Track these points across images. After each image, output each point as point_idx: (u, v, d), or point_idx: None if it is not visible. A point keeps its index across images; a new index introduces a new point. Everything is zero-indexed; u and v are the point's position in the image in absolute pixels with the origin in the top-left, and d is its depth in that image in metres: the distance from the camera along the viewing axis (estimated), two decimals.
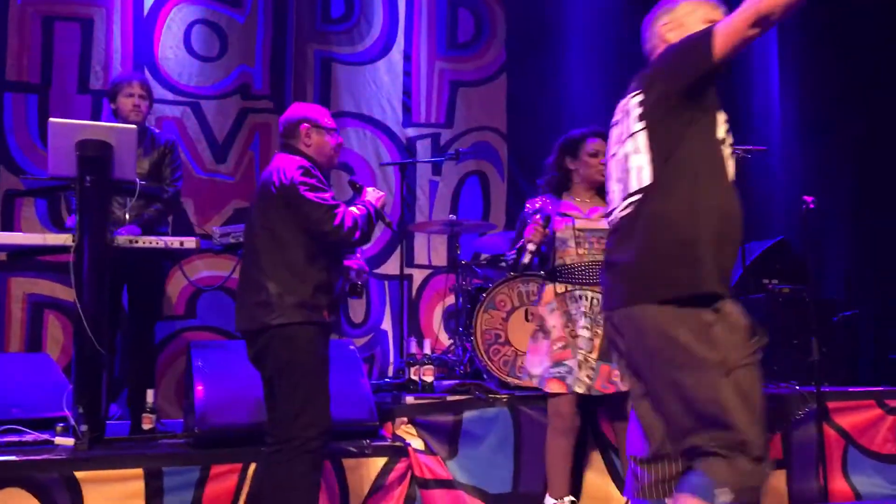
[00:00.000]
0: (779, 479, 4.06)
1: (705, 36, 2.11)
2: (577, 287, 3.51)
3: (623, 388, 3.25)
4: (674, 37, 2.29)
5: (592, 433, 3.81)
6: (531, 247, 3.38)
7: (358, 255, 3.44)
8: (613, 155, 2.36)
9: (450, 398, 3.75)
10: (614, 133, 2.38)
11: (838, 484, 4.14)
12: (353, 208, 3.07)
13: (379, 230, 5.39)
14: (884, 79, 6.15)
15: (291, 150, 3.16)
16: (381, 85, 6.15)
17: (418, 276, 5.98)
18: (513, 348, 4.34)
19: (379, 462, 3.48)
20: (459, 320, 4.71)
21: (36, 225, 5.12)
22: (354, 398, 3.56)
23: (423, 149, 6.16)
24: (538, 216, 3.47)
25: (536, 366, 3.50)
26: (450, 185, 6.18)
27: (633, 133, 2.25)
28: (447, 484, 3.55)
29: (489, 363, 4.30)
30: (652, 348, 2.14)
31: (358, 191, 3.30)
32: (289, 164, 3.03)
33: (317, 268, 2.99)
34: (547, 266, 3.62)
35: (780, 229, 5.87)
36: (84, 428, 3.34)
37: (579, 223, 3.53)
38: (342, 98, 6.03)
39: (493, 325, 4.36)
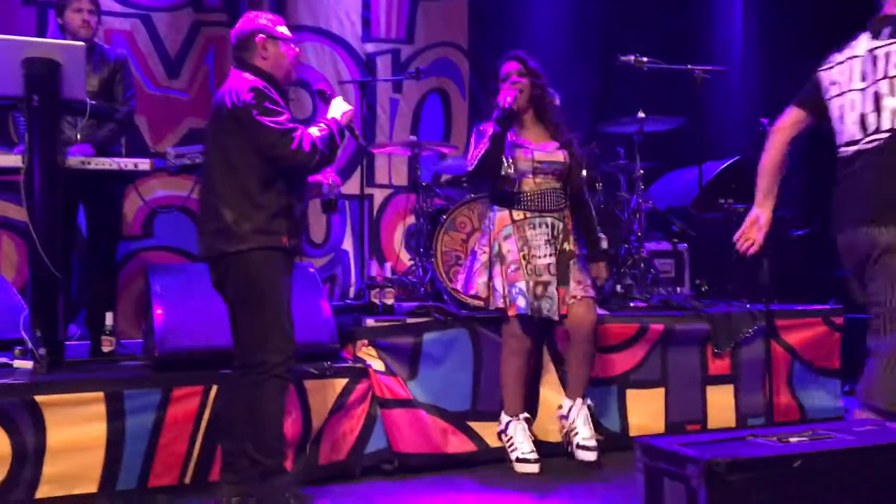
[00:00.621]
0: (727, 394, 4.22)
1: None
2: (535, 214, 3.61)
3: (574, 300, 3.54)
4: None
5: (549, 352, 3.89)
6: (508, 100, 3.55)
7: (328, 169, 3.36)
8: (858, 89, 2.71)
9: (410, 320, 3.79)
10: (853, 66, 2.74)
11: (784, 398, 4.32)
12: (312, 129, 2.97)
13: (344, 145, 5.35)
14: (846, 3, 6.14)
15: (245, 65, 3.02)
16: None
17: (379, 195, 5.96)
18: None
19: (340, 383, 3.52)
20: (420, 241, 4.73)
21: None
22: (315, 321, 3.58)
23: (382, 65, 6.05)
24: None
25: (487, 288, 3.61)
26: (410, 103, 6.10)
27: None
28: (407, 403, 3.62)
29: (449, 284, 4.34)
30: None
31: (326, 100, 3.16)
32: (241, 86, 2.91)
33: (274, 192, 2.93)
34: (497, 191, 3.70)
35: (737, 149, 5.93)
36: (42, 351, 3.33)
37: (538, 155, 3.64)
38: (299, 11, 5.85)
39: (454, 246, 4.39)
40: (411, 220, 5.36)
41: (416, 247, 4.78)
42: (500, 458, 3.68)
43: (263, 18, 3.08)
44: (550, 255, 3.58)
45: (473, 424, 3.75)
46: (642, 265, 4.83)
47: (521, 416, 3.61)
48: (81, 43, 3.59)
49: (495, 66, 3.80)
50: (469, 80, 6.24)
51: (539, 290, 3.55)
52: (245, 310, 2.96)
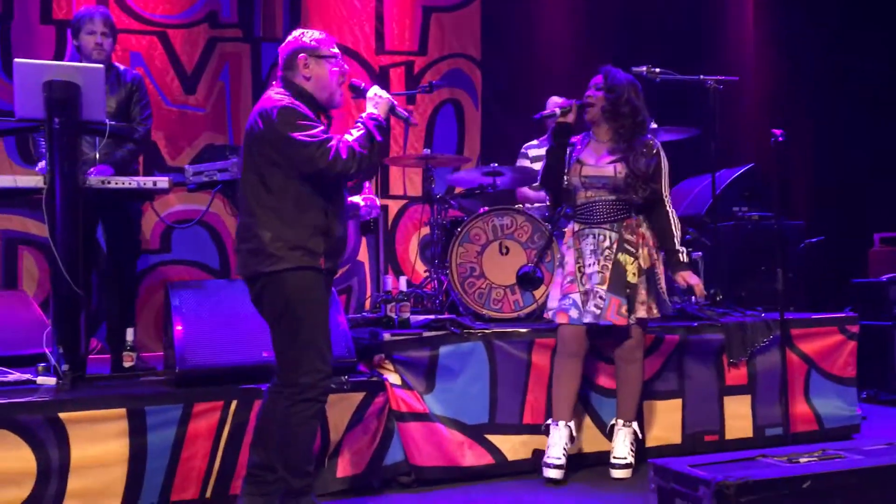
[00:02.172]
0: (744, 405, 4.22)
1: None
2: (585, 226, 3.71)
3: (630, 321, 3.57)
4: None
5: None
6: (557, 109, 3.66)
7: (367, 190, 3.36)
8: None
9: (426, 334, 3.81)
10: None
11: (800, 407, 4.32)
12: (347, 135, 2.89)
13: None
14: (859, 10, 6.16)
15: (288, 84, 2.96)
16: (353, 10, 6.04)
17: (394, 206, 6.00)
18: (487, 281, 4.42)
19: (357, 397, 3.56)
20: (435, 251, 4.77)
21: (6, 161, 5.06)
22: (333, 336, 3.56)
23: (396, 77, 6.10)
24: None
25: (553, 299, 3.74)
26: (424, 114, 6.15)
27: None
28: (423, 417, 3.65)
29: (464, 296, 4.38)
30: None
31: (360, 94, 3.05)
32: (272, 105, 2.86)
33: (311, 212, 2.89)
34: (563, 206, 3.89)
35: (750, 157, 5.94)
36: (65, 367, 3.39)
37: (585, 170, 3.69)
38: (312, 25, 5.88)
39: (468, 258, 4.42)
40: (426, 230, 5.40)
41: (432, 258, 4.82)
42: (519, 471, 3.72)
43: (308, 37, 2.99)
44: (594, 264, 3.62)
45: (492, 437, 3.77)
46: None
47: (563, 422, 3.62)
48: (101, 66, 3.66)
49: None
50: (482, 91, 6.28)
51: (583, 298, 3.62)
52: (280, 330, 2.94)
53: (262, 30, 5.75)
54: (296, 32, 3.04)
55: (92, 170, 3.73)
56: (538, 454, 3.75)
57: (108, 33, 3.97)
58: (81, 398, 3.23)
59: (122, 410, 3.22)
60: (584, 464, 3.83)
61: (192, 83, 5.58)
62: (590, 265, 3.64)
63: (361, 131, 2.92)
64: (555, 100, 5.46)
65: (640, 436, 3.76)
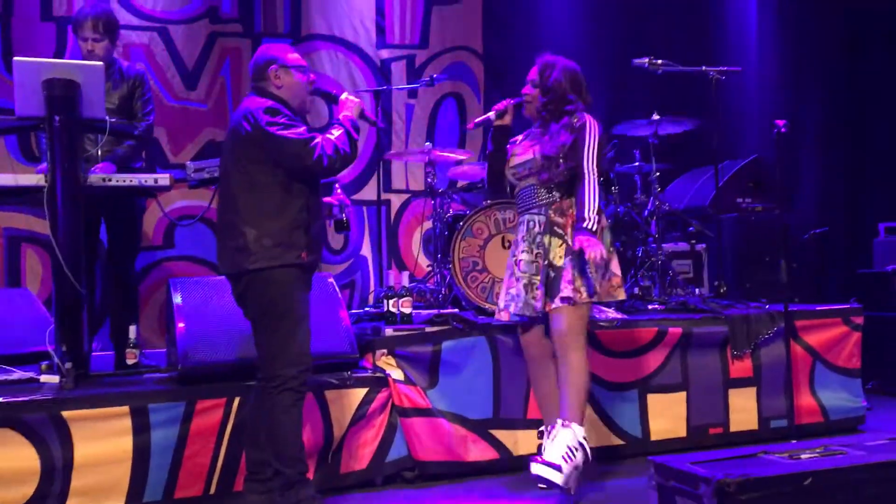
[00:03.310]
0: (749, 397, 4.21)
1: None
2: (519, 215, 3.58)
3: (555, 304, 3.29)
4: None
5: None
6: (492, 114, 3.56)
7: (338, 190, 3.46)
8: None
9: (428, 329, 3.82)
10: None
11: (805, 399, 4.31)
12: (329, 134, 3.05)
13: (365, 133, 5.41)
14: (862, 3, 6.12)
15: (262, 92, 3.13)
16: (353, 4, 6.01)
17: (396, 200, 5.99)
18: (490, 275, 4.41)
19: (360, 393, 3.56)
20: (438, 246, 4.76)
21: (7, 159, 5.06)
22: (335, 332, 3.62)
23: (397, 71, 6.07)
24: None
25: (500, 298, 3.58)
26: (426, 108, 6.12)
27: None
28: (426, 412, 3.65)
29: (467, 290, 4.37)
30: None
31: (333, 100, 3.28)
32: (256, 106, 3.01)
33: (293, 209, 3.01)
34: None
35: (753, 149, 5.91)
36: (68, 365, 3.39)
37: (512, 161, 3.57)
38: (313, 19, 5.89)
39: (471, 252, 4.41)
40: (429, 225, 5.39)
41: (434, 253, 4.81)
42: (524, 465, 3.67)
43: (276, 49, 3.19)
44: (524, 251, 3.45)
45: (496, 432, 3.77)
46: (660, 267, 4.83)
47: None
48: (100, 63, 3.64)
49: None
50: (484, 84, 6.25)
51: (515, 289, 3.45)
52: (263, 325, 3.04)
53: (262, 25, 5.73)
54: (263, 47, 3.27)
55: (95, 167, 3.72)
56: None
57: (99, 38, 3.87)
58: (85, 396, 3.24)
59: (126, 408, 3.23)
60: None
61: (193, 79, 5.56)
62: (522, 252, 3.46)
63: (340, 130, 3.09)
64: None
65: (586, 448, 3.23)
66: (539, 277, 3.39)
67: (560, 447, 3.19)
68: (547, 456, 3.20)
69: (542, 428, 3.55)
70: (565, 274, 3.32)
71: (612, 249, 3.46)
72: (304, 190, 3.05)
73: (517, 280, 3.46)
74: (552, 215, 3.42)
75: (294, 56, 3.18)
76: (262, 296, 3.00)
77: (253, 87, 3.18)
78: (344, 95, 3.28)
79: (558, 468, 3.13)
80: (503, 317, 3.51)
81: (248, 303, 3.07)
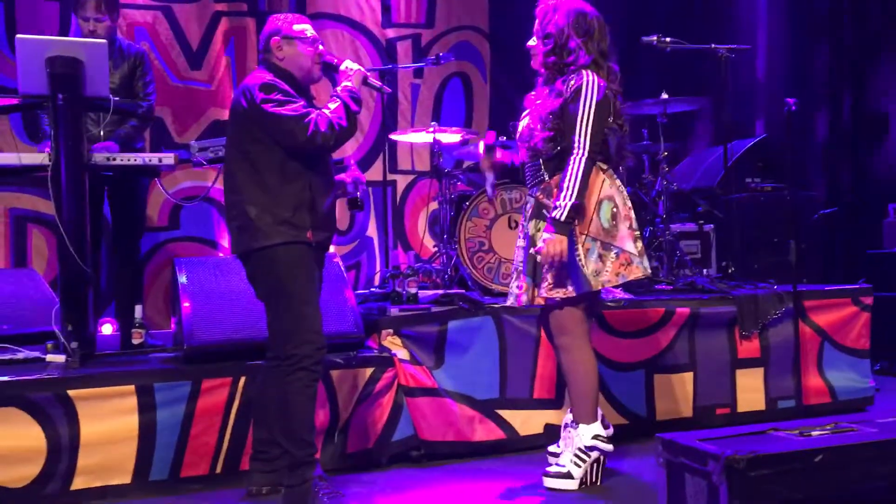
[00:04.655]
0: (756, 377, 4.19)
1: None
2: (525, 193, 3.30)
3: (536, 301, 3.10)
4: None
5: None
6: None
7: (353, 165, 3.37)
8: None
9: (434, 309, 3.80)
10: None
11: (813, 380, 4.28)
12: (325, 109, 2.97)
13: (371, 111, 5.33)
14: None
15: (268, 64, 3.08)
16: None
17: (402, 181, 5.97)
18: (496, 255, 4.39)
19: (366, 372, 3.55)
20: (444, 226, 4.74)
21: (11, 138, 5.04)
22: (340, 312, 3.60)
23: (403, 50, 6.04)
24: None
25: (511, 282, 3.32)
26: (431, 88, 6.09)
27: None
28: (432, 392, 3.63)
29: (473, 271, 4.36)
30: None
31: (333, 69, 3.16)
32: (253, 82, 2.97)
33: (296, 186, 2.96)
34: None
35: (763, 128, 5.86)
36: (74, 345, 3.38)
37: (520, 126, 3.21)
38: None
39: (477, 233, 4.39)
40: (434, 205, 5.37)
41: (440, 233, 4.79)
42: (530, 445, 3.70)
43: (280, 19, 3.12)
44: (520, 238, 3.20)
45: (502, 412, 3.76)
46: (667, 247, 4.80)
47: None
48: (104, 41, 3.62)
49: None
50: (490, 63, 6.21)
51: (512, 278, 3.25)
52: (273, 304, 3.00)
53: (267, 4, 5.69)
54: (271, 17, 3.16)
55: (96, 145, 3.70)
56: (549, 429, 3.73)
57: (101, 18, 3.86)
58: (90, 375, 3.24)
59: (132, 387, 3.23)
60: None
61: (198, 58, 5.54)
62: (519, 238, 3.22)
63: (337, 103, 3.00)
64: None
65: (600, 446, 3.12)
66: (517, 265, 3.14)
67: (569, 453, 3.16)
68: (558, 462, 3.17)
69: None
70: (546, 268, 3.01)
71: (613, 223, 3.02)
72: (307, 167, 2.99)
73: (515, 270, 3.23)
74: (540, 196, 3.08)
75: (300, 27, 3.09)
76: (269, 275, 2.97)
77: (261, 60, 3.14)
78: (344, 65, 3.15)
79: (568, 475, 3.13)
80: (512, 301, 3.23)
81: (258, 283, 3.04)
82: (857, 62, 6.17)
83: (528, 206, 3.20)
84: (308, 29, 3.12)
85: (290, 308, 2.95)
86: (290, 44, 3.07)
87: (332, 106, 3.00)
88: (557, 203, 2.95)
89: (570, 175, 2.95)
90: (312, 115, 2.92)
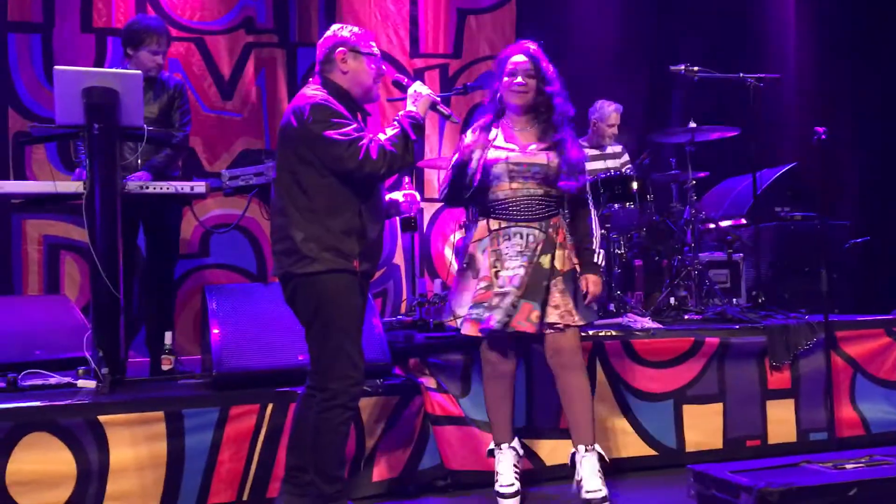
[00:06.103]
0: (787, 409, 4.12)
1: None
2: (511, 224, 3.26)
3: (541, 329, 3.18)
4: None
5: (604, 370, 3.86)
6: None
7: (408, 184, 3.33)
8: None
9: (460, 336, 3.78)
10: None
11: (846, 412, 4.21)
12: (381, 134, 2.85)
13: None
14: None
15: (325, 79, 2.93)
16: (387, 14, 6.05)
17: (429, 209, 5.99)
18: None
19: (392, 401, 3.54)
20: None
21: (47, 166, 5.14)
22: (368, 340, 3.54)
23: (430, 80, 6.08)
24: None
25: (461, 305, 3.31)
26: (458, 117, 6.12)
27: None
28: (459, 421, 3.62)
29: None
30: None
31: (401, 89, 3.01)
32: (305, 102, 2.83)
33: (346, 213, 2.84)
34: (480, 199, 3.32)
35: (791, 157, 5.83)
36: (105, 371, 3.42)
37: (513, 157, 3.24)
38: None
39: None
40: (462, 233, 5.38)
41: None
42: (557, 476, 3.65)
43: (348, 31, 2.95)
44: (518, 266, 3.19)
45: (529, 442, 3.72)
46: (696, 276, 4.77)
47: (507, 444, 3.36)
48: (139, 72, 3.70)
49: (498, 55, 3.40)
50: None
51: (496, 301, 3.18)
52: (312, 333, 2.92)
53: (297, 35, 5.78)
54: (335, 27, 3.00)
55: (131, 176, 3.77)
56: None
57: (167, 51, 4.02)
58: (120, 401, 3.26)
59: (161, 413, 3.25)
60: (621, 468, 3.76)
61: (229, 89, 5.62)
62: (513, 268, 3.19)
63: (396, 130, 2.88)
64: (605, 104, 5.41)
65: (606, 459, 3.28)
66: (520, 293, 3.16)
67: (596, 472, 3.20)
68: (590, 486, 3.17)
69: (492, 447, 3.39)
70: (568, 300, 3.22)
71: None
72: (357, 193, 2.86)
73: (503, 295, 3.17)
74: (551, 233, 3.25)
75: (366, 41, 2.93)
76: (309, 302, 2.86)
77: (318, 72, 2.95)
78: (413, 88, 2.96)
79: (605, 498, 3.16)
80: (469, 329, 3.23)
81: (298, 307, 2.94)
82: (889, 88, 6.13)
83: (533, 239, 3.23)
84: (375, 46, 2.98)
85: (330, 339, 2.86)
86: (356, 58, 2.91)
87: (389, 132, 2.86)
88: (594, 248, 3.31)
89: (596, 223, 3.35)
90: (364, 142, 2.78)
